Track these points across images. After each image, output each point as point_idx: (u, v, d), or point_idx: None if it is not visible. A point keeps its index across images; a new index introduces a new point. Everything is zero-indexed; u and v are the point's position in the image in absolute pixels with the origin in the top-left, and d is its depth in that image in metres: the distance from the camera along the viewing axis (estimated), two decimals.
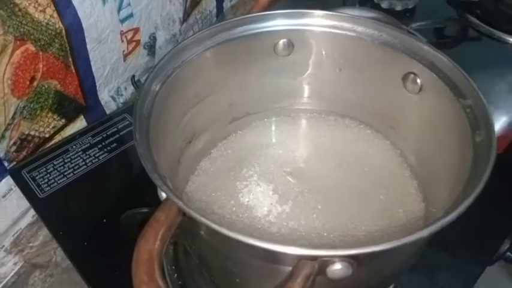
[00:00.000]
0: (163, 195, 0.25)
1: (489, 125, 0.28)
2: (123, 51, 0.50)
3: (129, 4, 0.47)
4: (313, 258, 0.22)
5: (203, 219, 0.22)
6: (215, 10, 0.64)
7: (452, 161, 0.31)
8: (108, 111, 0.52)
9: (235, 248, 0.24)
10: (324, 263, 0.23)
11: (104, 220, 0.41)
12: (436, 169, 0.34)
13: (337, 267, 0.23)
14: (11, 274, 0.44)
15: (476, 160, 0.27)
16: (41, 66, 0.42)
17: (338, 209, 0.35)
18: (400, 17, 0.59)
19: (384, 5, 0.63)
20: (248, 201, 0.36)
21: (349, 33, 0.36)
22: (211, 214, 0.35)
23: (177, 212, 0.24)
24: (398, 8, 0.63)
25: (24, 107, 0.42)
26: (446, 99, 0.32)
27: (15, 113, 0.41)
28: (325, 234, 0.33)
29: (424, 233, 0.22)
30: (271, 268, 0.25)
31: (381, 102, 0.38)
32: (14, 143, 0.43)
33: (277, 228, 0.33)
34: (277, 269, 0.24)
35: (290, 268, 0.23)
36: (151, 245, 0.22)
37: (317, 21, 0.36)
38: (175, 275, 0.37)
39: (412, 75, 0.35)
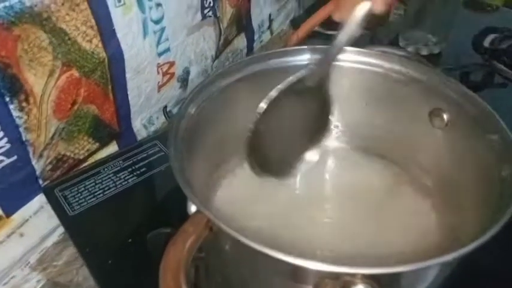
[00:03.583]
0: (193, 208, 0.26)
1: None
2: (158, 82, 0.52)
3: (167, 39, 0.50)
4: (336, 276, 0.22)
5: (230, 230, 0.22)
6: (246, 50, 0.67)
7: (478, 194, 0.31)
8: (138, 139, 0.54)
9: (260, 263, 0.25)
10: (346, 284, 0.23)
11: (129, 240, 0.42)
12: (460, 203, 0.34)
13: None
14: None
15: (503, 193, 0.27)
16: (82, 91, 0.44)
17: (358, 243, 0.35)
18: None
19: (409, 49, 0.65)
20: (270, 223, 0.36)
21: (376, 69, 0.38)
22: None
23: (205, 225, 0.25)
24: (424, 52, 0.65)
25: (63, 129, 0.44)
26: (473, 135, 0.33)
27: (54, 134, 0.43)
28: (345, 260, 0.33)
29: (449, 257, 0.22)
30: (294, 287, 0.25)
31: (406, 137, 0.39)
32: (50, 162, 0.45)
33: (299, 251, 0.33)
34: None
35: None
36: (179, 254, 0.23)
37: (344, 56, 0.38)
38: None
39: (438, 111, 0.36)
